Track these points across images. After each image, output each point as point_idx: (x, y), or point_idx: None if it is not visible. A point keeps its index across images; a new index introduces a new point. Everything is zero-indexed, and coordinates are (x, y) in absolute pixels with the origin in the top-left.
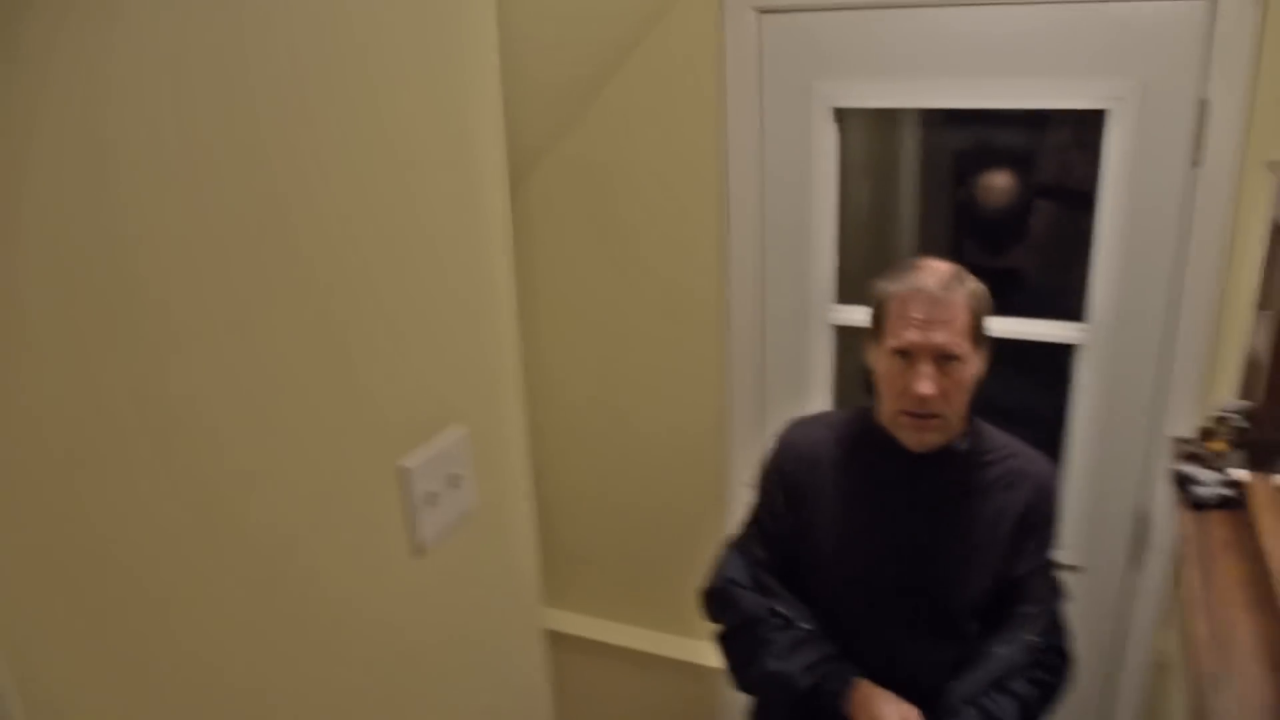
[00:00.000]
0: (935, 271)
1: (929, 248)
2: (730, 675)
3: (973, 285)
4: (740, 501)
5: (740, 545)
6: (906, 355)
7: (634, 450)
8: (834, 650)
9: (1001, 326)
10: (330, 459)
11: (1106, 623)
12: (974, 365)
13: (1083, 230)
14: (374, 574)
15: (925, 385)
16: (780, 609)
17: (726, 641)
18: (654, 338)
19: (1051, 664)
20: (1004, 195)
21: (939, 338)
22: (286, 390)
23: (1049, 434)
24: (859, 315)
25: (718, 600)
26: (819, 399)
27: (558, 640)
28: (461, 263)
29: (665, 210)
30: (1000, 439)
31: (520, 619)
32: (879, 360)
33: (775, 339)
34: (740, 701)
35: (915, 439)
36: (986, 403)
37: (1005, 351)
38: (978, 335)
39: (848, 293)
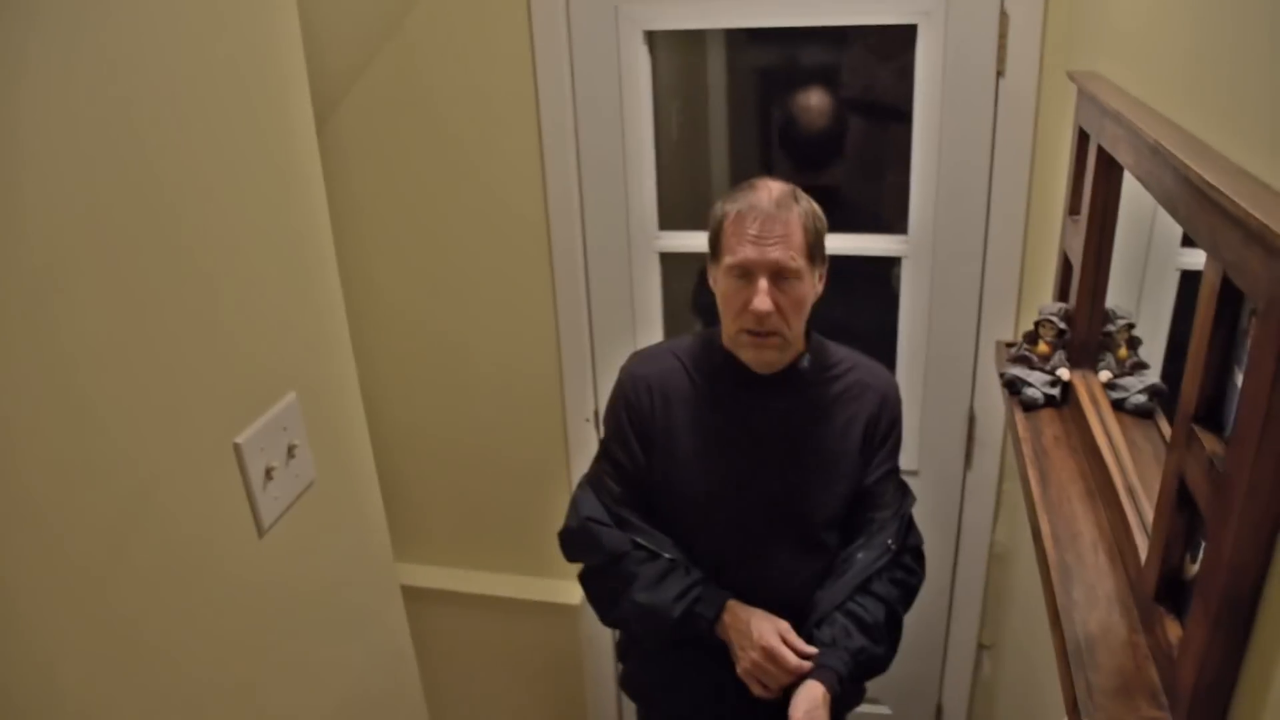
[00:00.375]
0: (771, 190)
1: (743, 169)
2: (598, 612)
3: (808, 204)
4: (578, 435)
5: (594, 483)
6: (744, 273)
7: (470, 391)
8: (701, 576)
9: (831, 244)
10: (162, 443)
11: (947, 521)
12: (811, 283)
13: (895, 144)
14: (219, 559)
15: (762, 301)
16: (642, 541)
17: (591, 580)
18: (483, 271)
19: (908, 565)
20: (820, 114)
21: (774, 254)
22: (109, 371)
23: (880, 348)
24: (683, 241)
25: (577, 540)
26: (650, 327)
27: (413, 595)
28: (277, 223)
29: (483, 143)
30: (841, 353)
31: (376, 583)
32: (718, 280)
33: (601, 268)
34: (607, 636)
35: (756, 357)
36: (820, 321)
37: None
38: (814, 253)
39: (669, 219)
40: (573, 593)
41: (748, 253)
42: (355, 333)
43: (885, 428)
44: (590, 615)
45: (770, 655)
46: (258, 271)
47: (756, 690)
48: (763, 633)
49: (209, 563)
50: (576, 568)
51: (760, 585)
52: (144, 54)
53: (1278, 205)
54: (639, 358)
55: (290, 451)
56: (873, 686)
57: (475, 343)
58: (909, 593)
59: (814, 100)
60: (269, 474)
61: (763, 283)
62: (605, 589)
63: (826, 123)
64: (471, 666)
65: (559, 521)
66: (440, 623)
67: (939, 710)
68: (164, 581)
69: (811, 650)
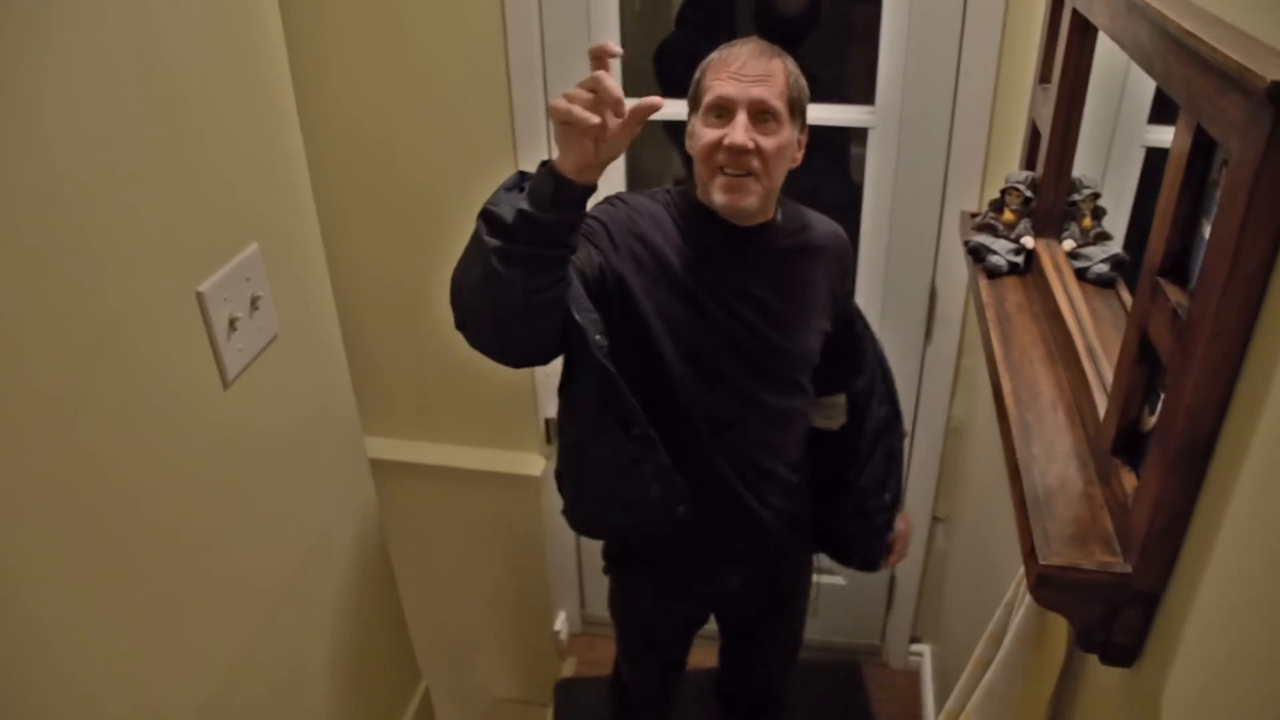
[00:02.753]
0: (756, 41)
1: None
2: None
3: (792, 64)
4: None
5: None
6: (723, 111)
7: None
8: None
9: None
10: (124, 284)
11: (905, 395)
12: (790, 135)
13: (860, 15)
14: (184, 407)
15: (739, 134)
16: None
17: (463, 270)
18: (447, 141)
19: (889, 387)
20: None
21: (756, 91)
22: (70, 207)
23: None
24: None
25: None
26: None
27: (375, 467)
28: (237, 69)
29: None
30: (794, 207)
31: (341, 439)
32: (696, 129)
33: None
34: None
35: (730, 200)
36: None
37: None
38: (795, 106)
39: (631, 87)
40: (534, 465)
41: (727, 89)
42: (315, 192)
43: (849, 275)
44: (551, 485)
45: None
46: (218, 119)
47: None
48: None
49: (174, 410)
50: (535, 437)
51: (747, 431)
52: None
53: (1257, 51)
54: (631, 193)
55: (254, 303)
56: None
57: (438, 207)
58: (898, 435)
59: None
60: (233, 325)
61: (742, 117)
62: (474, 257)
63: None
64: (432, 539)
65: (521, 390)
66: (402, 495)
67: (892, 580)
68: (129, 425)
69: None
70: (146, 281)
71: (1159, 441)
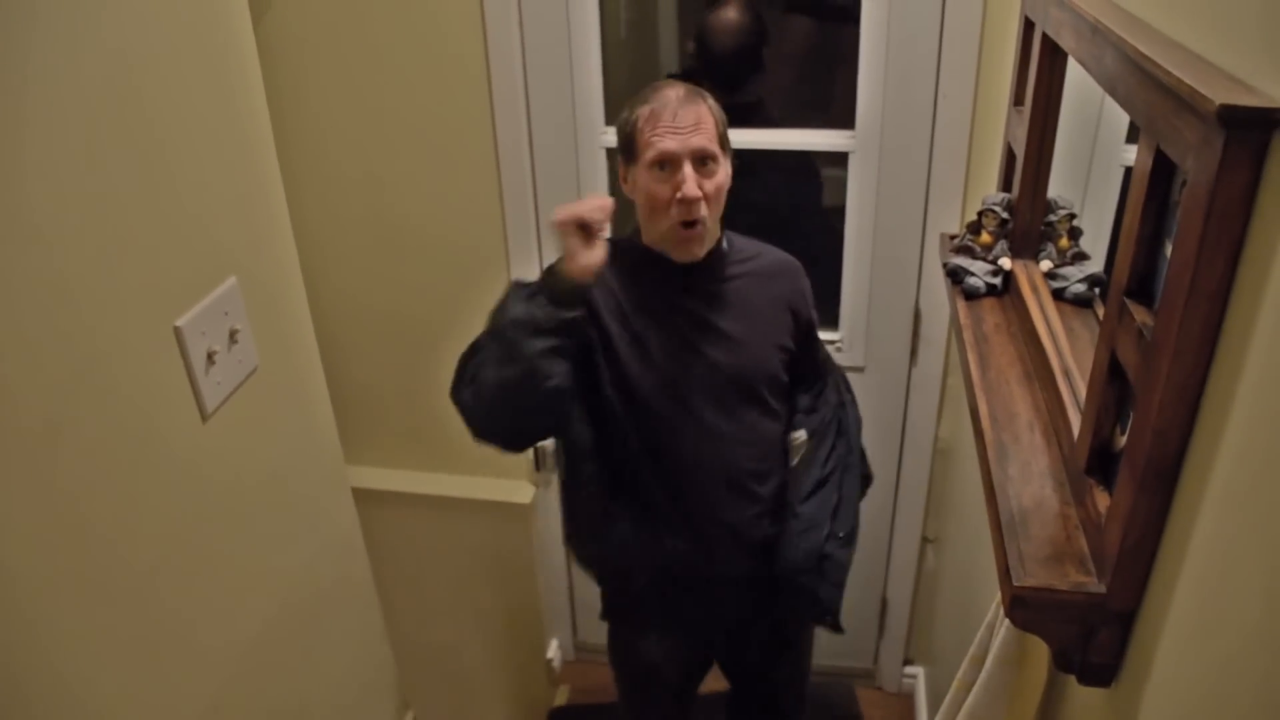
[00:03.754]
0: (677, 88)
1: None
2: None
3: (711, 100)
4: None
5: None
6: (667, 165)
7: (417, 288)
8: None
9: (775, 139)
10: (101, 320)
11: (892, 417)
12: (726, 170)
13: (841, 41)
14: (162, 442)
15: (692, 186)
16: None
17: (475, 387)
18: (428, 167)
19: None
20: (734, 31)
21: (695, 141)
22: (47, 243)
23: (822, 241)
24: None
25: (461, 379)
26: None
27: (361, 497)
28: (216, 106)
29: (427, 32)
30: (745, 240)
31: (323, 472)
32: (639, 181)
33: (547, 164)
34: (558, 534)
35: (686, 251)
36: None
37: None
38: (724, 141)
39: (616, 114)
40: (523, 492)
41: (668, 144)
42: (297, 224)
43: (806, 302)
44: (542, 512)
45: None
46: (194, 155)
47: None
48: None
49: (152, 445)
50: (524, 464)
51: (720, 460)
52: None
53: (1209, 75)
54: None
55: (232, 336)
56: None
57: (423, 237)
58: (853, 457)
59: (729, 15)
60: (211, 358)
61: (688, 168)
62: (480, 378)
63: (743, 39)
64: (423, 568)
65: None
66: (390, 525)
67: (884, 603)
68: (106, 460)
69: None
70: (124, 316)
71: (1129, 461)
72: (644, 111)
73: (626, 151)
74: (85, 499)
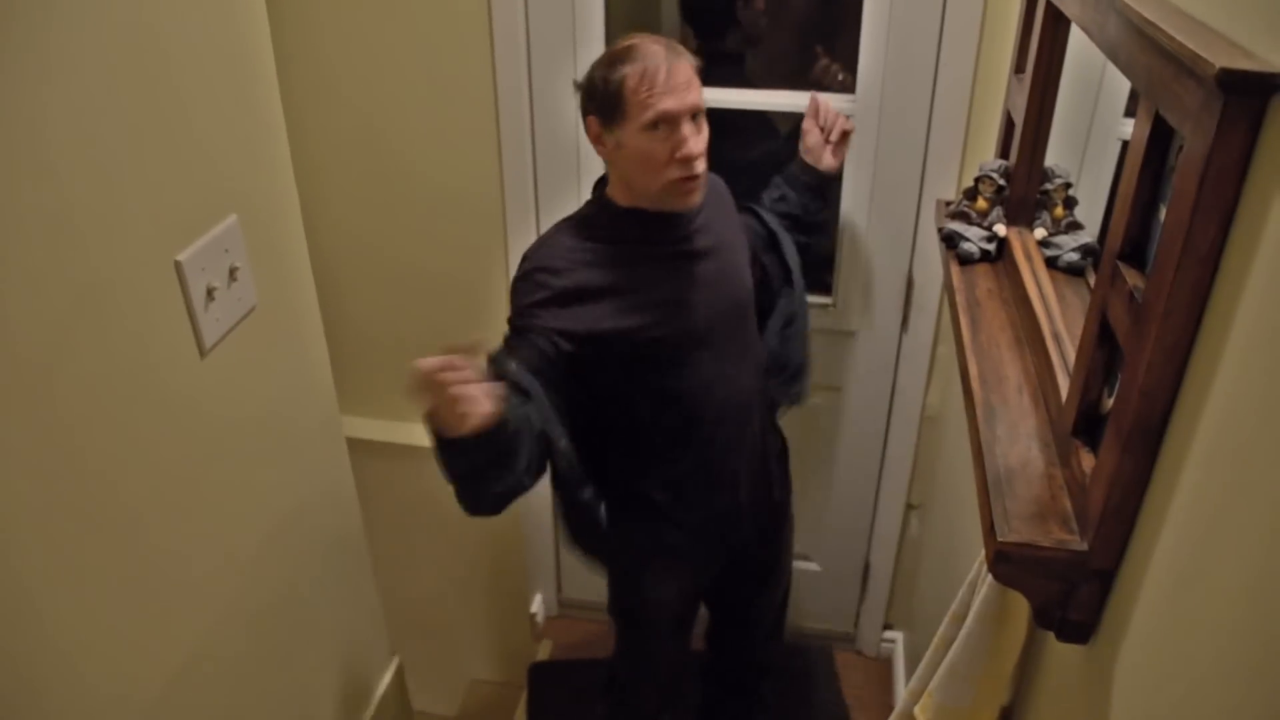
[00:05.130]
0: (656, 41)
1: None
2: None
3: (686, 51)
4: None
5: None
6: (663, 124)
7: (414, 237)
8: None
9: (778, 100)
10: (103, 249)
11: (881, 383)
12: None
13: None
14: (160, 374)
15: (699, 143)
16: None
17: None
18: (427, 118)
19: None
20: None
21: (692, 97)
22: (50, 170)
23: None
24: None
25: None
26: (595, 173)
27: (352, 446)
28: (219, 42)
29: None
30: None
31: (318, 413)
32: (629, 142)
33: (545, 108)
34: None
35: (692, 200)
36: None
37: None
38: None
39: None
40: None
41: (668, 103)
42: (296, 170)
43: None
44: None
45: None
46: (200, 92)
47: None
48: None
49: (151, 377)
50: None
51: (735, 389)
52: None
53: (1210, 40)
54: (539, 248)
55: (232, 274)
56: (802, 544)
57: (420, 185)
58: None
59: None
60: (210, 294)
61: (688, 126)
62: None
63: None
64: (408, 519)
65: None
66: (377, 475)
67: (866, 567)
68: (106, 389)
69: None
70: (127, 249)
71: (1115, 421)
72: (632, 70)
73: (609, 112)
74: (82, 429)
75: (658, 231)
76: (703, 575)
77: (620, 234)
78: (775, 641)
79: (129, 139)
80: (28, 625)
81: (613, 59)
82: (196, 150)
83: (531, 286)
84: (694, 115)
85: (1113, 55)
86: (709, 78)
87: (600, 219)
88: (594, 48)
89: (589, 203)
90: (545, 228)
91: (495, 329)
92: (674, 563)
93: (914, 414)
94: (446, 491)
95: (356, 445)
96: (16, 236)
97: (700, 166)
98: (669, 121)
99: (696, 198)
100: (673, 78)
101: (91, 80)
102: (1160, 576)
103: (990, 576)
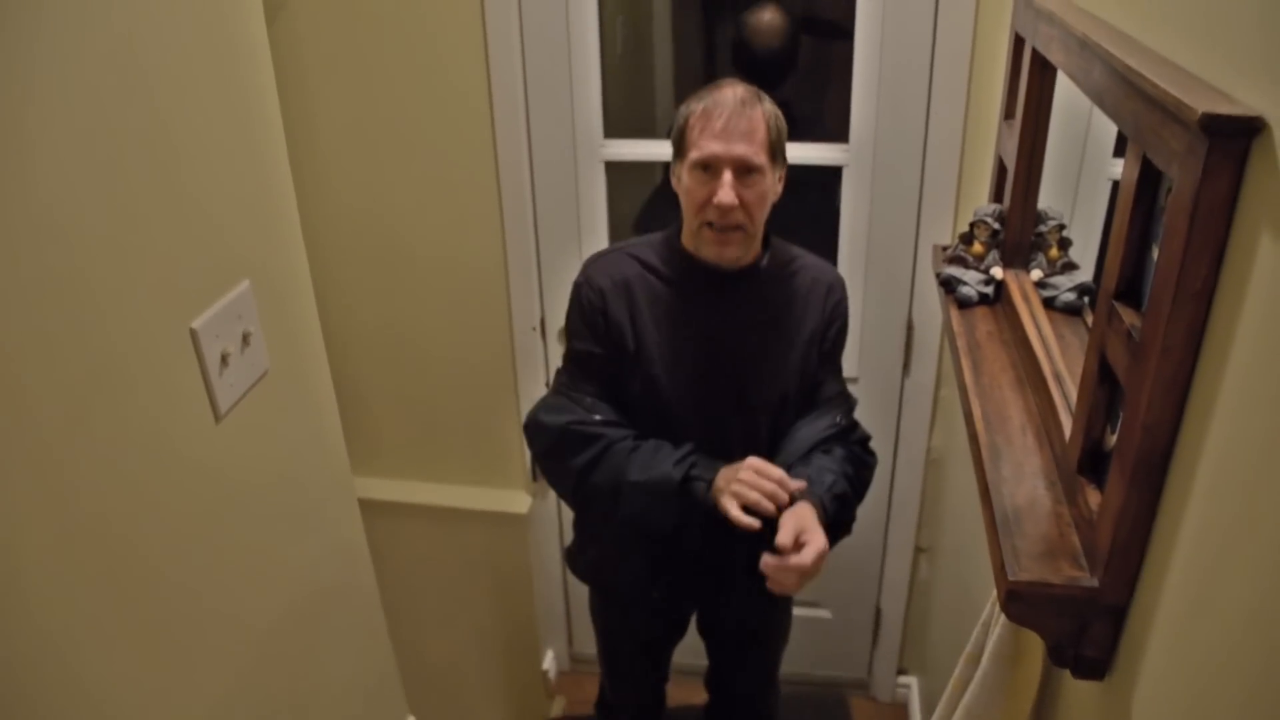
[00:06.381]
0: (736, 89)
1: (687, 81)
2: (586, 502)
3: (770, 105)
4: (525, 344)
5: (567, 391)
6: (709, 168)
7: (418, 299)
8: (694, 445)
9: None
10: (121, 320)
11: (885, 427)
12: (772, 181)
13: (833, 57)
14: (177, 442)
15: (727, 194)
16: (624, 431)
17: (581, 475)
18: (429, 179)
19: (857, 452)
20: (774, 33)
21: (739, 149)
22: (71, 245)
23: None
24: (628, 150)
25: (560, 445)
26: (595, 236)
27: (362, 506)
28: (230, 112)
29: (430, 46)
30: (793, 251)
31: (330, 475)
32: (682, 178)
33: (547, 176)
34: (555, 544)
35: (718, 252)
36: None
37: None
38: (775, 151)
39: (614, 128)
40: (521, 502)
41: (713, 147)
42: (304, 232)
43: (835, 321)
44: (539, 523)
45: (758, 468)
46: (214, 157)
47: (745, 522)
48: (746, 460)
49: (167, 444)
50: (521, 475)
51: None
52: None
53: (1192, 86)
54: (595, 264)
55: (245, 339)
56: (812, 591)
57: (422, 249)
58: (861, 468)
59: (767, 18)
60: (224, 360)
61: (727, 176)
62: (596, 478)
63: (782, 40)
64: (420, 577)
65: (507, 430)
66: (389, 534)
67: (878, 612)
68: (123, 459)
69: (799, 484)
70: (142, 317)
71: (1119, 457)
72: (697, 109)
73: (676, 144)
74: (100, 497)
75: (701, 279)
76: (661, 617)
77: (672, 269)
78: (768, 689)
79: (141, 208)
80: (51, 692)
81: (695, 94)
82: (209, 217)
83: (580, 305)
84: (742, 168)
85: (1099, 101)
86: None
87: (662, 249)
88: (591, 113)
89: (668, 231)
90: (548, 294)
91: (496, 384)
92: (625, 597)
93: (919, 457)
94: (455, 549)
95: (367, 505)
96: (33, 312)
97: (732, 219)
98: (713, 165)
99: (727, 251)
100: (730, 124)
101: (100, 151)
102: (1172, 610)
103: (1003, 616)
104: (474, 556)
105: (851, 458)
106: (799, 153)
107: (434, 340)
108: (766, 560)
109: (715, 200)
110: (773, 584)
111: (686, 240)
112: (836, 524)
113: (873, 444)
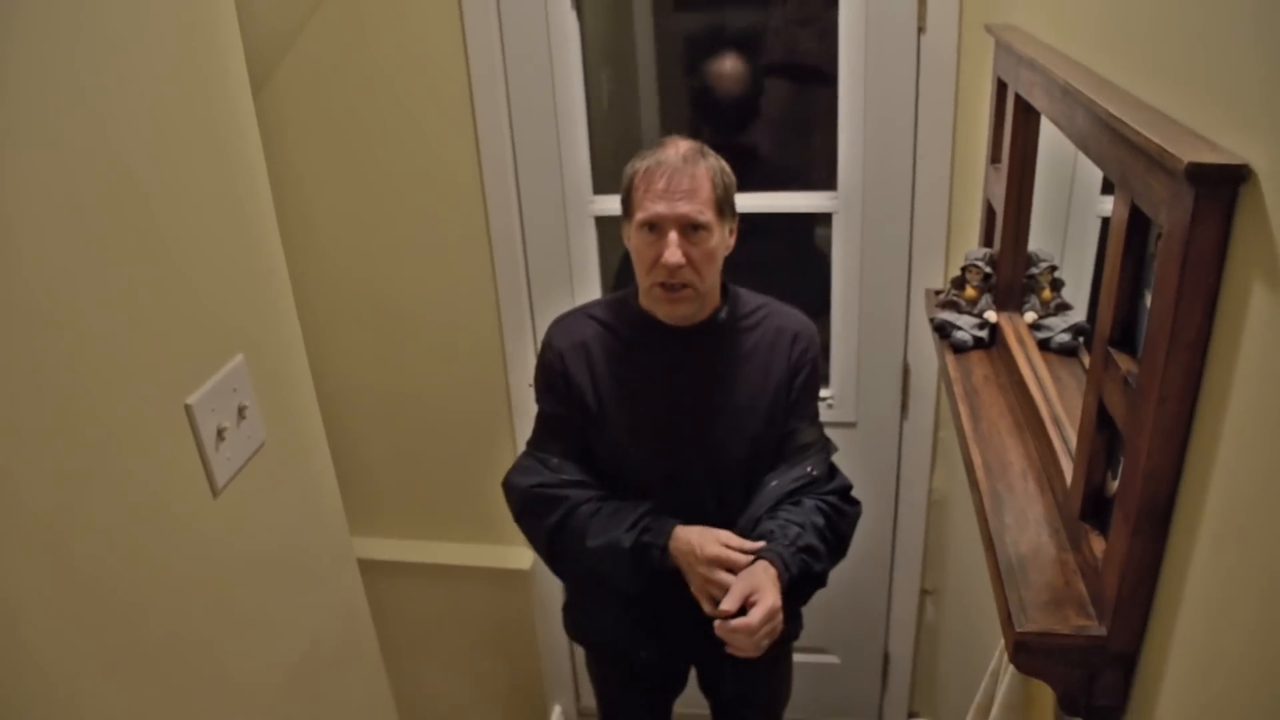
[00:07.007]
0: (679, 146)
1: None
2: (557, 571)
3: (715, 160)
4: (521, 400)
5: (534, 452)
6: (655, 228)
7: (413, 360)
8: (650, 506)
9: (759, 202)
10: (115, 401)
11: (886, 471)
12: (721, 236)
13: (821, 105)
14: (175, 518)
15: (673, 254)
16: (589, 492)
17: (548, 539)
18: (420, 239)
19: (833, 502)
20: (734, 79)
21: (683, 208)
22: (64, 330)
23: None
24: (617, 205)
25: (527, 507)
26: (589, 291)
27: (364, 567)
28: (218, 187)
29: (416, 109)
30: (756, 300)
31: (330, 543)
32: (631, 238)
33: (537, 234)
34: (558, 600)
35: (669, 311)
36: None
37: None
38: (723, 207)
39: (604, 183)
40: (523, 557)
41: (657, 208)
42: (298, 301)
43: (801, 369)
44: (541, 579)
45: (715, 561)
46: (202, 236)
47: (708, 609)
48: (704, 544)
49: (166, 521)
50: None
51: (702, 519)
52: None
53: (1176, 133)
54: (556, 326)
55: (241, 412)
56: (819, 637)
57: (416, 309)
58: (836, 518)
59: (728, 66)
60: (220, 434)
61: (673, 235)
62: (561, 542)
63: (742, 86)
64: (425, 636)
65: None
66: (392, 594)
67: (886, 656)
68: (123, 538)
69: (757, 545)
70: (135, 397)
71: (1121, 505)
72: (641, 168)
73: (624, 205)
74: (101, 576)
75: (658, 338)
76: (655, 674)
77: (629, 329)
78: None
79: (130, 291)
80: None
81: (640, 153)
82: (199, 295)
83: (543, 367)
84: (688, 226)
85: (1084, 147)
86: None
87: (620, 309)
88: (579, 168)
89: (626, 291)
90: None
91: (493, 442)
92: (616, 657)
93: (920, 499)
94: (458, 607)
95: (368, 566)
96: (24, 396)
97: (680, 278)
98: (658, 226)
99: (680, 309)
100: (672, 183)
101: (84, 235)
102: (1183, 656)
103: (1012, 666)
104: (477, 613)
105: (824, 508)
106: (787, 201)
107: (432, 400)
108: (716, 626)
109: (662, 260)
110: (730, 648)
111: (643, 299)
112: (806, 577)
113: (874, 487)
